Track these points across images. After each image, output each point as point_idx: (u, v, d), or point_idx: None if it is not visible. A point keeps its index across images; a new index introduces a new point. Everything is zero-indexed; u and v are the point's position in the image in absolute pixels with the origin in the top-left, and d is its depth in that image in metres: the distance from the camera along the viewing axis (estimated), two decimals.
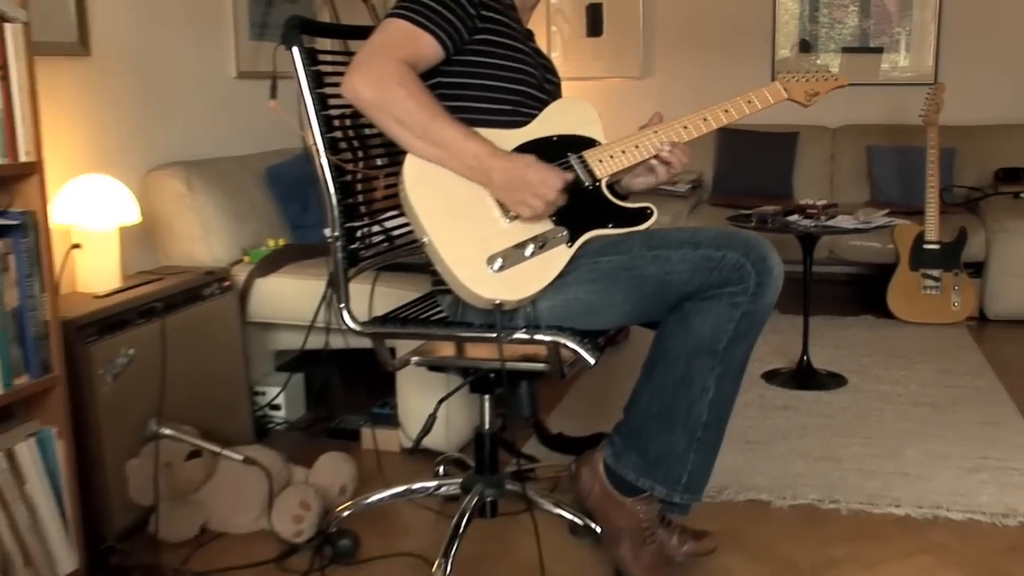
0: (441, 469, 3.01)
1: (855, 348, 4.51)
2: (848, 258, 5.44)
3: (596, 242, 2.21)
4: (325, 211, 2.29)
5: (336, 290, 2.32)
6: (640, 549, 2.31)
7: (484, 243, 2.13)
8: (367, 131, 2.43)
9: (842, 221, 4.03)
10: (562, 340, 2.20)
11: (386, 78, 2.08)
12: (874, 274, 5.64)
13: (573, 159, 2.22)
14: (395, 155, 2.48)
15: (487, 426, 2.55)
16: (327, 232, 2.30)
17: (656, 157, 2.26)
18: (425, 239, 2.13)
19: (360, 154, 2.39)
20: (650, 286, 2.16)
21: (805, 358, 4.07)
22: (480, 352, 2.43)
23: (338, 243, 2.29)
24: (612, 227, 2.22)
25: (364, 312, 2.45)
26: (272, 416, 3.54)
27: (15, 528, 2.25)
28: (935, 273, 4.96)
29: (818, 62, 6.18)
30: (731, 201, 5.64)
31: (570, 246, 2.19)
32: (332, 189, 2.28)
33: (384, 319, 2.42)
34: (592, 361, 2.20)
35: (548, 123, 2.25)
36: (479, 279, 2.11)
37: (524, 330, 2.22)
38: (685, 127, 2.25)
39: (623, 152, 2.23)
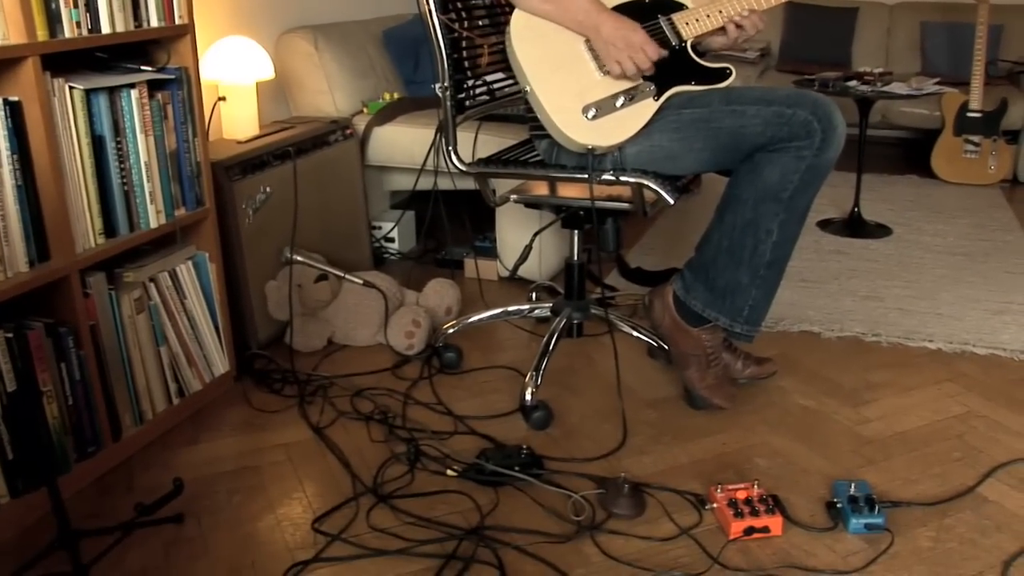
0: (534, 295, 3.02)
1: (900, 203, 4.40)
2: (898, 123, 5.25)
3: (680, 96, 2.16)
4: (435, 67, 2.25)
5: (445, 135, 2.30)
6: (705, 371, 2.32)
7: (580, 94, 2.09)
8: None
9: (896, 88, 3.92)
10: (645, 181, 2.17)
11: None
12: (920, 138, 5.49)
13: (663, 21, 2.15)
14: (496, 17, 2.44)
15: (575, 258, 2.53)
16: (437, 86, 2.27)
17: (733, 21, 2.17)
18: (528, 88, 2.10)
19: (464, 15, 2.34)
20: (726, 137, 2.11)
21: (856, 210, 3.98)
22: (571, 192, 2.41)
23: (447, 93, 2.26)
24: (695, 84, 2.17)
25: (469, 156, 2.43)
26: (387, 247, 3.56)
27: (180, 335, 2.32)
28: (976, 139, 4.79)
29: None
30: (796, 68, 5.45)
31: (656, 99, 2.14)
32: (442, 44, 2.23)
33: (487, 161, 2.39)
34: (672, 201, 2.17)
35: None
36: (575, 126, 2.09)
37: (611, 172, 2.18)
38: None
39: (708, 16, 2.15)
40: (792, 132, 2.04)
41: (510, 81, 2.45)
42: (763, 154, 2.09)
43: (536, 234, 2.94)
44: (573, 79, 2.10)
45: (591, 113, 2.09)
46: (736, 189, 2.16)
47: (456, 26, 2.27)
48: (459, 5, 2.33)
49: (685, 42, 2.17)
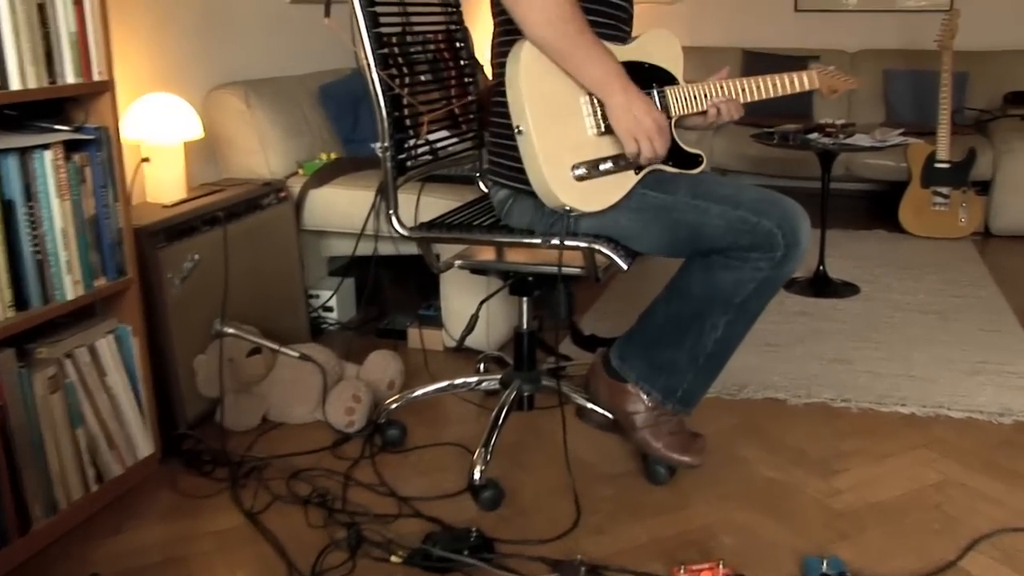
0: (482, 366, 3.02)
1: (868, 259, 4.49)
2: (863, 175, 5.39)
3: (652, 175, 2.17)
4: (375, 125, 2.27)
5: (386, 198, 2.31)
6: (656, 426, 2.31)
7: (573, 149, 2.09)
8: (412, 51, 2.40)
9: (859, 139, 3.99)
10: (597, 246, 2.20)
11: (557, 20, 2.00)
12: (887, 191, 5.60)
13: (657, 93, 2.19)
14: (439, 72, 2.47)
15: (525, 326, 2.55)
16: (377, 146, 2.28)
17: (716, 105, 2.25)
18: (521, 127, 2.05)
19: (405, 70, 2.36)
20: (685, 231, 2.13)
21: (821, 268, 4.06)
22: (519, 256, 2.43)
23: (387, 153, 2.27)
24: (670, 165, 2.20)
25: (411, 219, 2.44)
26: (325, 317, 3.56)
27: (99, 415, 2.29)
28: (944, 190, 4.91)
29: None
30: (755, 120, 5.44)
31: (637, 173, 2.16)
32: (382, 102, 2.25)
33: (430, 225, 2.40)
34: (625, 266, 2.20)
35: (644, 50, 2.21)
36: (560, 181, 2.07)
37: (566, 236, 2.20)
38: (743, 89, 2.28)
39: (695, 98, 2.23)
40: (754, 242, 2.08)
41: (454, 140, 2.48)
42: (720, 258, 2.13)
43: (483, 302, 2.94)
44: (568, 132, 2.09)
45: (579, 172, 2.09)
46: (688, 280, 2.21)
47: (397, 82, 2.29)
48: (400, 60, 2.35)
49: (671, 119, 2.21)
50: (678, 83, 2.23)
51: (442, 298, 3.25)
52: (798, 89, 2.35)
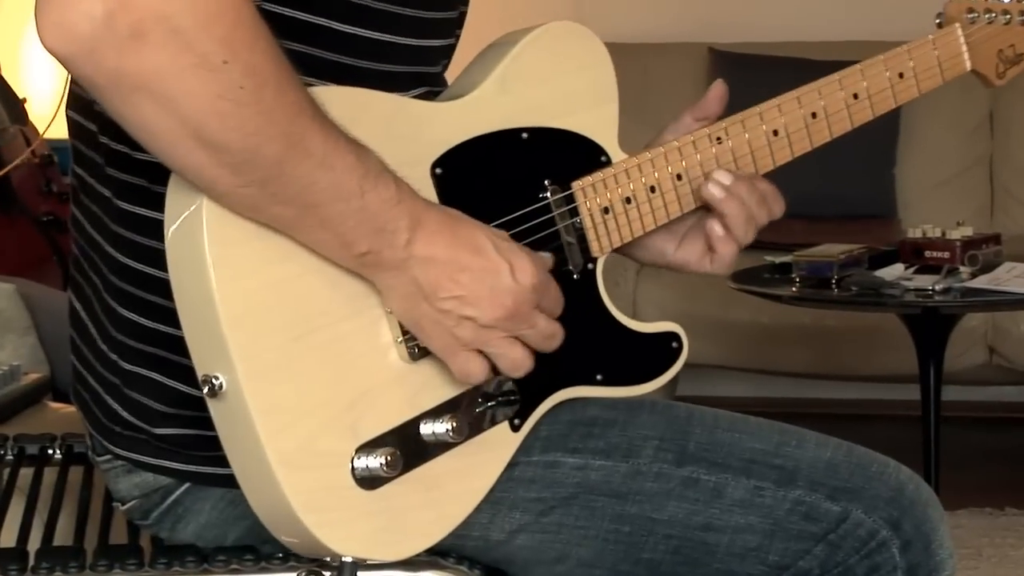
0: None
1: None
2: None
3: (562, 412, 1.96)
4: None
5: None
6: None
7: (354, 410, 1.81)
8: None
9: (1012, 278, 3.34)
10: None
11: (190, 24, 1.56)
12: None
13: (553, 204, 1.97)
14: None
15: None
16: None
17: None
18: (218, 380, 1.76)
19: None
20: (660, 546, 1.96)
21: None
22: None
23: None
24: (602, 382, 2.00)
25: None
26: None
27: None
28: None
29: None
30: (779, 226, 5.18)
31: (517, 427, 1.93)
32: None
33: None
34: None
35: (509, 86, 1.98)
36: (321, 499, 1.78)
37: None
38: (775, 131, 2.02)
39: (652, 191, 2.02)
40: (837, 562, 1.94)
41: None
42: None
43: None
44: (343, 365, 1.83)
45: (374, 463, 1.79)
46: None
47: None
48: None
49: (594, 262, 2.02)
50: (608, 160, 2.01)
51: None
52: (915, 93, 2.04)
